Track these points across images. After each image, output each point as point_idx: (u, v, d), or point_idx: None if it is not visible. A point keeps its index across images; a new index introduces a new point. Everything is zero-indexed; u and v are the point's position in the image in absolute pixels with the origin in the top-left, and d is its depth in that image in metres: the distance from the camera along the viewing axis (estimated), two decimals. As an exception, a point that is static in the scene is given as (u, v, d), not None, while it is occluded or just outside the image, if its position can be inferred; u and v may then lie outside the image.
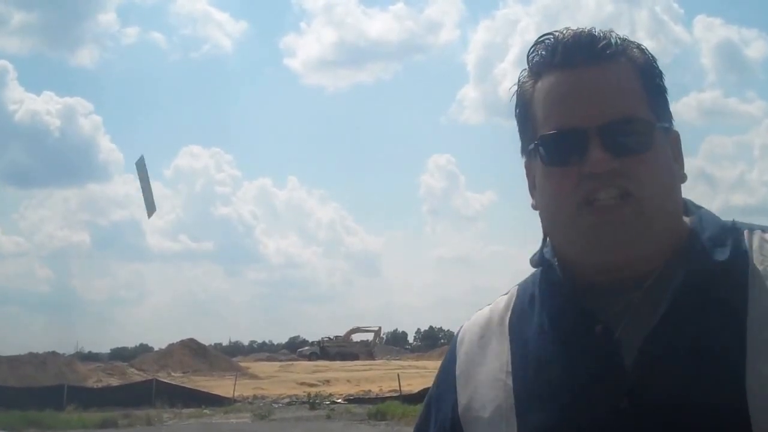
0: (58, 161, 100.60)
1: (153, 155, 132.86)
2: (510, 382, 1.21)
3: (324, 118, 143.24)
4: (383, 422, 21.75)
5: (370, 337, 65.42)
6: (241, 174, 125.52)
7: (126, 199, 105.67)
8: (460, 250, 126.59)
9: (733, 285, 1.14)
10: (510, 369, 1.22)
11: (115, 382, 34.05)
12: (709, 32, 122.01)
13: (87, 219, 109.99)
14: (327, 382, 35.52)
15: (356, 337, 65.53)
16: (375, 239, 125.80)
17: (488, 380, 1.24)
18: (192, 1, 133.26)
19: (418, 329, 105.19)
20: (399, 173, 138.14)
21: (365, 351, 63.39)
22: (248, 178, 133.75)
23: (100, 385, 32.69)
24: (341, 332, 65.09)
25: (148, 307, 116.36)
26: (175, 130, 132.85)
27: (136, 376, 36.61)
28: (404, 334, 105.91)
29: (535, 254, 1.27)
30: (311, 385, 31.83)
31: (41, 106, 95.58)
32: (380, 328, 66.01)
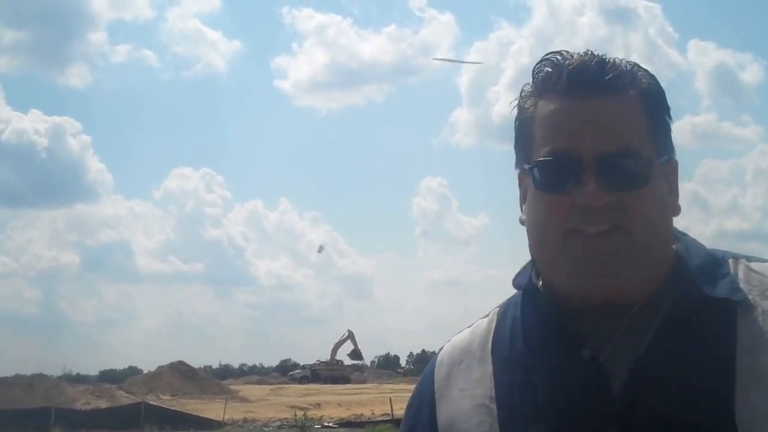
0: (46, 181, 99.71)
1: (143, 176, 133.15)
2: (494, 407, 1.19)
3: (316, 140, 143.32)
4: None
5: (359, 347, 65.31)
6: (231, 195, 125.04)
7: (115, 219, 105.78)
8: (452, 273, 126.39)
9: (722, 314, 1.13)
10: (494, 394, 1.20)
11: (103, 404, 33.74)
12: (703, 56, 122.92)
13: (75, 240, 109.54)
14: (318, 405, 35.25)
15: (342, 353, 65.46)
16: (367, 262, 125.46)
17: (471, 405, 1.22)
18: (184, 19, 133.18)
19: (411, 353, 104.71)
20: (391, 196, 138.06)
21: (355, 355, 63.76)
22: (239, 199, 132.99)
23: (88, 407, 32.39)
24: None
25: (137, 328, 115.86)
26: (165, 151, 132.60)
27: (124, 398, 36.32)
28: (396, 358, 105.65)
29: (518, 275, 1.27)
30: (302, 409, 31.53)
31: (29, 125, 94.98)
32: (350, 331, 65.52)
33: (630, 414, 1.10)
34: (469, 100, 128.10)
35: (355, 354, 64.97)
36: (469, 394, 1.23)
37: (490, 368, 1.23)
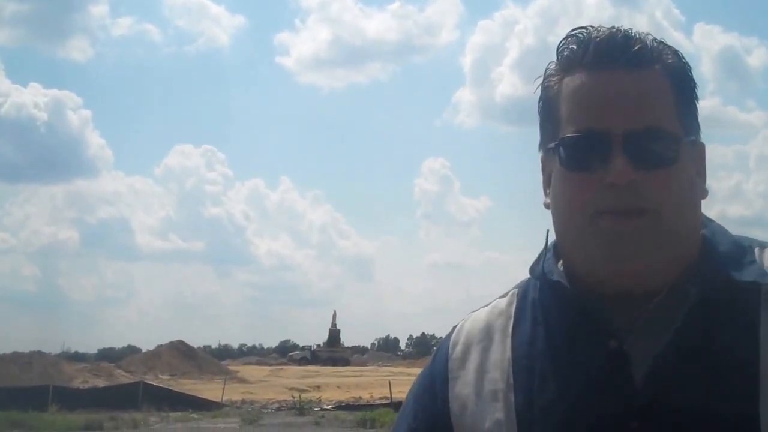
0: (45, 156, 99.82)
1: (144, 152, 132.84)
2: (511, 395, 1.16)
3: (318, 119, 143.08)
4: (372, 430, 21.53)
5: (336, 326, 66.83)
6: (232, 173, 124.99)
7: (115, 196, 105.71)
8: (454, 255, 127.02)
9: (747, 305, 1.10)
10: (512, 381, 1.17)
11: (101, 383, 33.82)
12: (709, 40, 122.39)
13: (74, 216, 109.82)
14: (317, 387, 35.34)
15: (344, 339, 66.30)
16: (368, 243, 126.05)
17: (487, 389, 1.18)
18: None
19: (410, 336, 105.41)
20: (393, 176, 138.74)
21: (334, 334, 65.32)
22: (240, 178, 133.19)
23: (86, 386, 32.44)
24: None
25: (136, 307, 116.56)
26: (166, 127, 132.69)
27: (123, 377, 36.46)
28: (396, 341, 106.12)
29: (536, 262, 1.22)
30: (301, 391, 31.54)
31: (28, 98, 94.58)
32: (334, 310, 68.45)
33: (651, 407, 1.07)
34: (472, 80, 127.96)
35: (333, 332, 65.85)
36: (485, 377, 1.19)
37: (509, 352, 1.19)
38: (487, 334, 1.23)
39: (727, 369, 1.07)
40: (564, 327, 1.15)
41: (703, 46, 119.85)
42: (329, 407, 27.12)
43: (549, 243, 1.22)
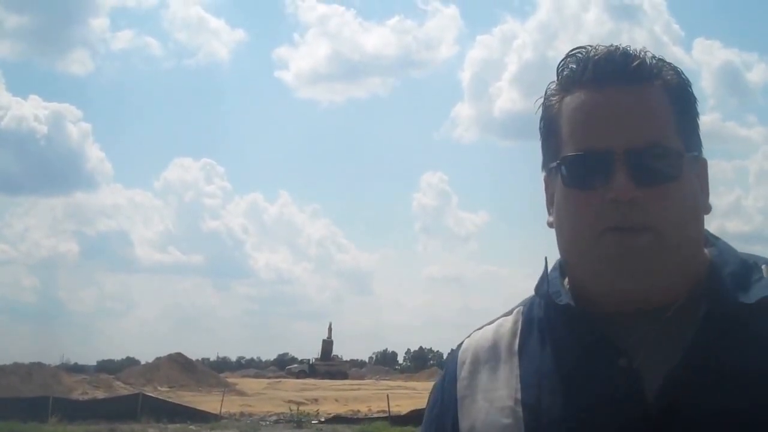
0: (45, 168, 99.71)
1: (143, 165, 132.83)
2: (520, 410, 1.15)
3: (317, 133, 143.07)
4: (371, 443, 21.50)
5: (331, 338, 66.47)
6: (231, 187, 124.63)
7: (114, 209, 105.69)
8: (452, 269, 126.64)
9: (757, 322, 1.10)
10: (520, 397, 1.16)
11: (100, 394, 33.67)
12: (709, 55, 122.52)
13: (74, 228, 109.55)
14: (315, 400, 35.19)
15: (339, 348, 66.28)
16: (366, 256, 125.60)
17: (495, 407, 1.18)
18: (186, 6, 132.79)
19: (408, 349, 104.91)
20: (391, 190, 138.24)
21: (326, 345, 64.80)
22: (239, 191, 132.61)
23: (85, 397, 32.30)
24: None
25: (135, 319, 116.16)
26: (166, 140, 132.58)
27: (122, 389, 36.28)
28: (394, 354, 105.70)
29: (541, 281, 1.22)
30: (299, 403, 31.43)
31: (29, 111, 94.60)
32: (330, 322, 68.03)
33: (664, 424, 1.06)
34: (471, 94, 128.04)
35: (326, 344, 65.75)
36: (493, 396, 1.18)
37: (517, 370, 1.19)
38: (494, 353, 1.23)
39: (740, 385, 1.06)
40: (572, 345, 1.15)
41: (702, 61, 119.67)
42: (325, 420, 27.06)
43: (555, 262, 1.22)
